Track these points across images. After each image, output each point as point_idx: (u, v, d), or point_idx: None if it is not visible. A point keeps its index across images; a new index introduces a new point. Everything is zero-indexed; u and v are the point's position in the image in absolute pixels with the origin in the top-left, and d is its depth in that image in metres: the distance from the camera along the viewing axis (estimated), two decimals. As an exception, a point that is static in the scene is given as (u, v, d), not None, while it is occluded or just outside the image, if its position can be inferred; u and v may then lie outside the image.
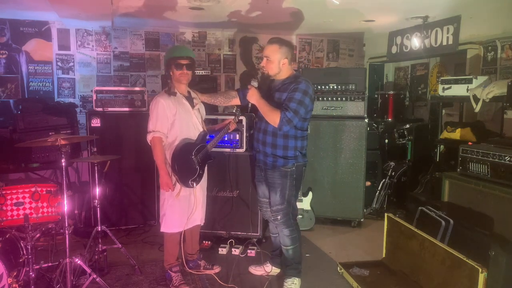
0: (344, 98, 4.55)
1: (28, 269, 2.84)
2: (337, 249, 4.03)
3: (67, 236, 2.85)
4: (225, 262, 3.65)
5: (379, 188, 5.01)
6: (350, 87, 4.56)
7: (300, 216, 4.34)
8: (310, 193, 4.49)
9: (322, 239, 4.29)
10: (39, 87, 5.61)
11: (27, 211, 2.89)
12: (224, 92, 4.57)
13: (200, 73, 4.82)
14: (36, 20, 5.48)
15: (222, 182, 3.96)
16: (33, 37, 5.52)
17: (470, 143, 3.81)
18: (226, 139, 3.87)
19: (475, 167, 3.31)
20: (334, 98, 4.58)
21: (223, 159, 3.91)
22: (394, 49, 5.77)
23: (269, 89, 3.12)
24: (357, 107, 4.53)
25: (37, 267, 2.97)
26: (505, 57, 4.40)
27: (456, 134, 4.21)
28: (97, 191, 3.49)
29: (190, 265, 3.44)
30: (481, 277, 2.39)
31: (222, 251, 3.87)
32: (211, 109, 3.73)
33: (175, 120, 3.06)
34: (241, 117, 3.70)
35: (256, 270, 3.49)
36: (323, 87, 4.60)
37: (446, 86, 4.26)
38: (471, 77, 4.02)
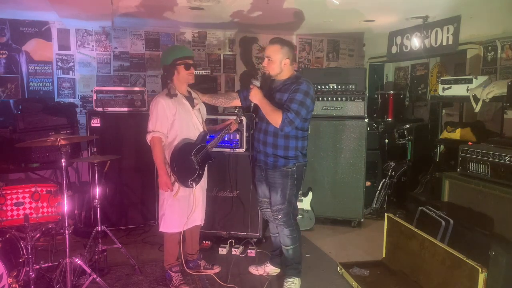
0: (344, 98, 4.55)
1: (28, 269, 2.84)
2: (337, 249, 4.03)
3: (67, 236, 2.85)
4: (225, 262, 3.65)
5: (379, 188, 5.01)
6: (350, 87, 4.56)
7: (300, 216, 4.34)
8: (310, 193, 4.49)
9: (322, 239, 4.29)
10: (39, 87, 5.61)
11: (27, 211, 2.89)
12: (225, 93, 4.57)
13: (200, 73, 4.81)
14: (36, 20, 5.48)
15: (222, 182, 3.97)
16: (33, 37, 5.52)
17: (470, 143, 3.81)
18: (226, 139, 3.87)
19: (475, 167, 3.31)
20: (334, 98, 4.58)
21: (223, 159, 3.91)
22: (394, 49, 5.77)
23: (269, 89, 3.12)
24: (357, 107, 4.53)
25: (37, 267, 2.97)
26: (505, 57, 4.40)
27: (456, 134, 4.21)
28: (97, 191, 3.49)
29: (190, 265, 3.44)
30: (481, 277, 2.39)
31: (222, 251, 3.87)
32: (211, 109, 3.73)
33: (175, 120, 3.05)
34: (241, 118, 3.70)
35: (256, 270, 3.49)
36: (323, 87, 4.60)
37: (446, 86, 4.26)
38: (471, 77, 4.02)
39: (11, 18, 5.37)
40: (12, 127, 4.52)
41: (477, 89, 3.86)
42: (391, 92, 5.88)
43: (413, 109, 6.24)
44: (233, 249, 3.86)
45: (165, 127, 3.04)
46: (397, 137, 5.28)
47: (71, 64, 5.73)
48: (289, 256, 3.21)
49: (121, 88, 4.92)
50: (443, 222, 3.14)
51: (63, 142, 2.84)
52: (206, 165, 3.31)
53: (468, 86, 3.99)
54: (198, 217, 3.30)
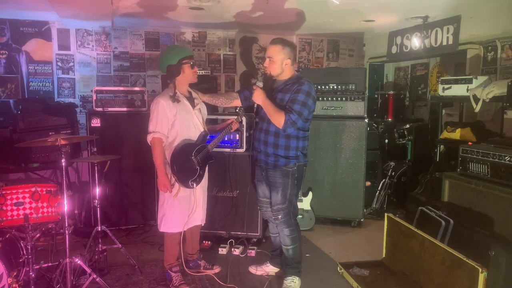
0: (344, 98, 4.55)
1: (28, 269, 2.84)
2: (337, 249, 4.03)
3: (67, 236, 2.85)
4: (225, 262, 3.65)
5: (379, 188, 5.01)
6: (350, 87, 4.56)
7: (300, 216, 4.34)
8: (310, 193, 4.49)
9: (322, 239, 4.29)
10: (39, 87, 5.61)
11: (27, 211, 2.89)
12: (226, 93, 4.57)
13: (200, 73, 4.81)
14: (36, 20, 5.48)
15: (222, 182, 3.97)
16: (33, 37, 5.52)
17: (470, 143, 3.81)
18: (226, 139, 3.87)
19: (475, 167, 3.31)
20: (334, 98, 4.58)
21: (223, 159, 3.91)
22: (394, 49, 5.77)
23: (271, 89, 3.12)
24: (357, 107, 4.53)
25: (37, 267, 2.97)
26: (505, 57, 4.40)
27: (456, 134, 4.21)
28: (97, 191, 3.49)
29: (190, 265, 3.45)
30: (481, 277, 2.39)
31: (222, 251, 3.87)
32: (211, 109, 3.73)
33: (175, 121, 3.05)
34: (242, 117, 3.70)
35: (256, 270, 3.49)
36: (323, 87, 4.60)
37: (446, 86, 4.26)
38: (471, 77, 4.02)
39: (11, 18, 5.37)
40: (12, 127, 4.52)
41: (477, 89, 3.86)
42: (391, 92, 5.88)
43: (413, 109, 6.25)
44: (233, 249, 3.86)
45: (165, 128, 3.04)
46: (397, 137, 5.28)
47: (71, 64, 5.73)
48: (289, 256, 3.21)
49: (121, 88, 4.92)
50: (443, 222, 3.14)
51: (63, 142, 2.84)
52: (207, 165, 3.31)
53: (468, 86, 3.99)
54: (198, 217, 3.30)
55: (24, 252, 2.87)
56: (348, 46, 6.93)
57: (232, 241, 3.99)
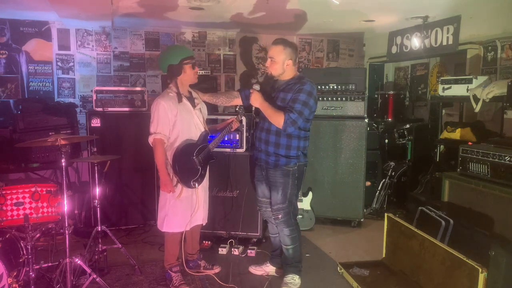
0: (344, 98, 4.55)
1: (28, 269, 2.84)
2: (337, 249, 4.03)
3: (67, 236, 2.85)
4: (225, 262, 3.65)
5: (379, 188, 5.01)
6: (350, 87, 4.56)
7: (300, 216, 4.34)
8: (310, 193, 4.49)
9: (322, 239, 4.29)
10: (39, 87, 5.61)
11: (27, 211, 2.89)
12: (226, 92, 4.57)
13: (200, 73, 4.81)
14: (36, 20, 5.47)
15: (222, 182, 3.97)
16: (33, 37, 5.51)
17: (470, 143, 3.81)
18: (226, 139, 3.87)
19: (475, 167, 3.31)
20: (334, 98, 4.58)
21: (223, 159, 3.90)
22: (394, 49, 5.77)
23: (273, 89, 3.13)
24: (357, 107, 4.53)
25: (37, 267, 2.98)
26: (505, 57, 4.39)
27: (456, 134, 4.21)
28: (97, 191, 3.49)
29: (190, 265, 3.44)
30: (481, 277, 2.39)
31: (222, 251, 3.87)
32: (211, 109, 3.73)
33: (176, 121, 3.05)
34: (242, 116, 3.69)
35: (256, 270, 3.49)
36: (323, 87, 4.60)
37: (446, 86, 4.26)
38: (471, 77, 4.02)
39: (11, 18, 5.37)
40: (12, 127, 4.52)
41: (477, 89, 3.86)
42: (391, 92, 5.88)
43: (413, 109, 6.24)
44: (233, 249, 3.86)
45: (166, 129, 3.04)
46: (397, 137, 5.28)
47: (71, 64, 5.73)
48: (289, 256, 3.22)
49: (121, 88, 4.92)
50: (443, 222, 3.14)
51: (63, 142, 2.84)
52: (208, 165, 3.31)
53: (468, 86, 3.99)
54: (200, 217, 3.30)
55: (24, 252, 2.87)
56: (348, 46, 6.93)
57: (232, 241, 3.99)
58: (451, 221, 3.12)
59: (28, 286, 2.83)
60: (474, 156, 3.32)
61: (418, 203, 3.98)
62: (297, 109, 2.91)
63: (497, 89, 3.66)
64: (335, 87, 4.59)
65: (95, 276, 2.99)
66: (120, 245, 3.52)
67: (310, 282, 3.35)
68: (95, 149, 3.98)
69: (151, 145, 3.06)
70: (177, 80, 3.10)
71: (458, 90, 4.13)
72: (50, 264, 3.13)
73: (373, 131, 5.13)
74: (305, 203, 4.46)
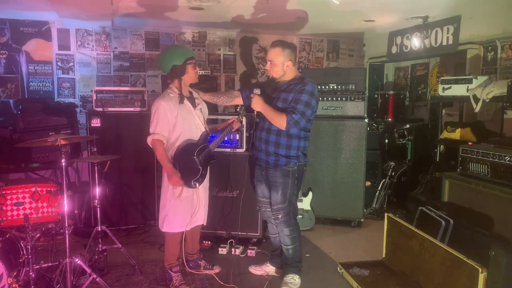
0: (344, 98, 4.56)
1: (28, 269, 2.84)
2: (337, 249, 4.03)
3: (67, 236, 2.85)
4: (225, 262, 3.65)
5: (379, 188, 5.01)
6: (350, 87, 4.56)
7: (300, 216, 4.34)
8: (310, 193, 4.49)
9: (322, 239, 4.29)
10: (39, 87, 5.61)
11: (27, 211, 2.89)
12: (227, 91, 4.57)
13: (200, 73, 4.81)
14: (36, 20, 5.47)
15: (222, 182, 3.97)
16: (33, 37, 5.51)
17: (470, 143, 3.81)
18: (226, 139, 3.87)
19: (475, 167, 3.31)
20: (334, 98, 4.58)
21: (223, 159, 3.90)
22: (394, 49, 5.77)
23: (274, 89, 3.13)
24: (357, 107, 4.53)
25: (37, 267, 2.97)
26: (505, 57, 4.39)
27: (456, 134, 4.21)
28: (97, 191, 3.49)
29: (190, 265, 3.44)
30: (481, 277, 2.39)
31: (222, 251, 3.87)
32: (212, 108, 3.73)
33: (177, 122, 3.05)
34: (243, 116, 3.69)
35: (256, 270, 3.49)
36: (323, 87, 4.60)
37: (446, 86, 4.26)
38: (471, 77, 4.02)
39: (11, 18, 5.36)
40: (12, 127, 4.52)
41: (477, 89, 3.86)
42: (391, 92, 5.88)
43: (413, 109, 6.24)
44: (233, 249, 3.86)
45: (166, 130, 3.04)
46: (397, 137, 5.28)
47: (71, 64, 5.72)
48: (289, 256, 3.22)
49: (121, 88, 4.92)
50: (443, 222, 3.14)
51: (63, 142, 2.84)
52: (209, 165, 3.31)
53: (468, 86, 3.99)
54: (201, 217, 3.30)
55: (24, 252, 2.87)
56: (348, 46, 6.93)
57: (232, 241, 3.99)
58: (451, 221, 3.12)
59: (28, 286, 2.83)
60: (474, 156, 3.32)
61: (418, 203, 3.98)
62: (300, 109, 2.92)
63: (497, 89, 3.66)
64: (335, 87, 4.60)
65: (95, 276, 2.99)
66: (120, 245, 3.52)
67: (310, 282, 3.35)
68: (95, 149, 3.98)
69: (150, 145, 3.06)
70: (180, 80, 3.10)
71: (458, 90, 4.13)
72: (50, 264, 3.12)
73: (373, 131, 5.14)
74: (305, 203, 4.46)
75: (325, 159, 4.59)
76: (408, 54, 5.51)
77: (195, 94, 3.30)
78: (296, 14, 4.98)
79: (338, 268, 3.51)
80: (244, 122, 3.81)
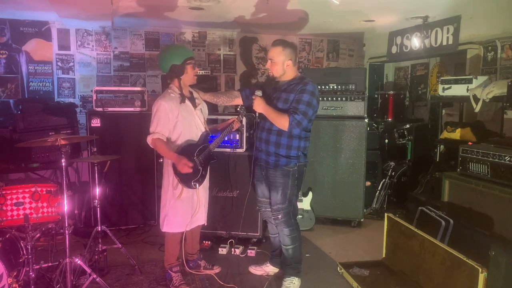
0: (344, 98, 4.56)
1: (28, 269, 2.84)
2: (337, 249, 4.03)
3: (67, 236, 2.85)
4: (225, 262, 3.65)
5: (379, 188, 5.01)
6: (350, 87, 4.56)
7: (300, 216, 4.34)
8: (310, 193, 4.49)
9: (322, 239, 4.29)
10: (39, 87, 5.61)
11: (27, 211, 2.89)
12: (227, 91, 4.57)
13: (200, 73, 4.81)
14: (36, 20, 5.48)
15: (222, 182, 3.96)
16: (33, 37, 5.52)
17: (470, 143, 3.81)
18: (226, 139, 3.87)
19: (475, 167, 3.31)
20: (334, 98, 4.58)
21: (223, 159, 3.90)
22: (394, 49, 5.77)
23: (274, 89, 3.13)
24: (357, 107, 4.53)
25: (37, 267, 2.97)
26: (505, 57, 4.39)
27: (456, 134, 4.21)
28: (97, 191, 3.49)
29: (190, 265, 3.44)
30: (481, 277, 2.39)
31: (222, 251, 3.87)
32: (211, 108, 3.73)
33: (177, 122, 3.05)
34: (243, 116, 3.68)
35: (256, 270, 3.49)
36: (323, 87, 4.60)
37: (446, 86, 4.26)
38: (471, 77, 4.01)
39: (11, 18, 5.37)
40: (12, 127, 4.52)
41: (477, 89, 3.86)
42: (391, 92, 5.88)
43: (413, 109, 6.25)
44: (233, 249, 3.86)
45: (166, 130, 3.04)
46: (397, 137, 5.28)
47: (71, 64, 5.73)
48: (289, 256, 3.21)
49: (121, 88, 4.92)
50: (443, 222, 3.14)
51: (63, 142, 2.84)
52: (209, 166, 3.31)
53: (468, 86, 3.99)
54: (201, 217, 3.30)
55: (24, 252, 2.87)
56: (348, 46, 6.93)
57: (232, 241, 3.99)
58: (451, 221, 3.12)
59: (28, 286, 2.83)
60: (474, 156, 3.32)
61: (418, 203, 3.98)
62: (302, 110, 2.92)
63: (497, 89, 3.66)
64: (335, 87, 4.60)
65: (95, 276, 2.99)
66: (120, 245, 3.52)
67: (310, 282, 3.35)
68: (95, 149, 3.98)
69: (150, 144, 3.06)
70: (179, 80, 3.10)
71: (458, 90, 4.13)
72: (50, 264, 3.12)
73: (373, 131, 5.13)
74: (305, 203, 4.46)
75: (325, 159, 4.59)
76: (408, 54, 5.51)
77: (195, 94, 3.30)
78: (296, 14, 4.98)
79: (338, 268, 3.51)
80: (244, 122, 3.81)
